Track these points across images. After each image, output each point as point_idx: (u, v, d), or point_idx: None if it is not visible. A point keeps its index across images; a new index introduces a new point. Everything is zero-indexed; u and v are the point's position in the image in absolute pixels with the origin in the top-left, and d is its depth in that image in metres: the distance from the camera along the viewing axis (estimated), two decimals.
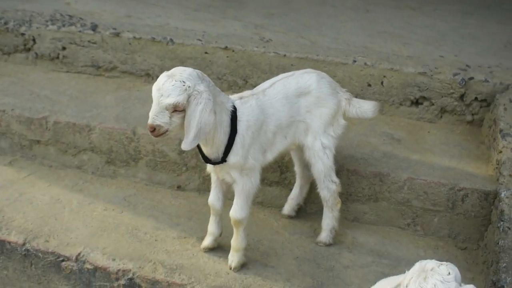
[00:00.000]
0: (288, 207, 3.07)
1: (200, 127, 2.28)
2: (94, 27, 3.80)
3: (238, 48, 3.60)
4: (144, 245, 2.85)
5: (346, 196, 3.00)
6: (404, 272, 1.89)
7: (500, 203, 2.77)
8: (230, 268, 2.70)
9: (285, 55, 3.55)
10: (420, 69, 3.45)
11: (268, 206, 3.18)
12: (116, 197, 3.21)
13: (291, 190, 3.07)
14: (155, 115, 2.30)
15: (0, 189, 3.22)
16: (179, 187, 3.28)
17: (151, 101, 3.60)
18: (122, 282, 2.71)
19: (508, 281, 2.50)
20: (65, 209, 3.09)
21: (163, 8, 4.53)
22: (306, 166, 2.92)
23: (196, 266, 2.73)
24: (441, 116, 3.50)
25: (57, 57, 3.90)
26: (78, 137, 3.32)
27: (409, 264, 1.88)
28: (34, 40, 3.88)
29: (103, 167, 3.37)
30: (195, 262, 2.75)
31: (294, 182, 3.04)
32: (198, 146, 2.52)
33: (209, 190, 2.79)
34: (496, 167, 2.97)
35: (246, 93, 2.59)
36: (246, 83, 3.66)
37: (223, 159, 2.47)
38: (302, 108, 2.67)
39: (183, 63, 3.65)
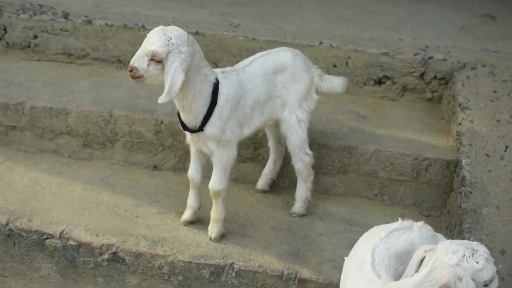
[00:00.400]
0: (262, 182, 3.21)
1: (171, 84, 2.40)
2: (65, 15, 3.85)
3: (208, 33, 3.73)
4: (126, 221, 2.95)
5: (317, 169, 3.15)
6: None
7: (462, 170, 2.98)
8: (210, 239, 2.83)
9: (254, 39, 3.69)
10: (382, 49, 3.64)
11: (243, 182, 3.31)
12: (94, 178, 3.28)
13: (264, 165, 3.21)
14: (137, 58, 2.45)
15: None
16: (155, 167, 3.38)
17: (125, 86, 3.72)
18: (106, 256, 2.80)
19: (471, 240, 2.70)
20: (44, 191, 3.15)
21: None
22: (280, 141, 3.08)
23: (178, 238, 2.85)
24: (403, 94, 3.70)
25: (29, 46, 3.93)
26: (55, 121, 3.38)
27: None
28: (5, 29, 3.91)
29: (79, 150, 3.44)
30: (176, 235, 2.87)
31: (268, 158, 3.18)
32: (178, 114, 2.64)
33: (185, 169, 2.92)
34: (457, 138, 3.18)
35: (227, 68, 2.73)
36: (216, 66, 3.77)
37: (201, 128, 2.59)
38: (279, 84, 2.82)
39: None
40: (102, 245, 2.80)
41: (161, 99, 2.44)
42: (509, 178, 2.92)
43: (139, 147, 3.36)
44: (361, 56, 3.65)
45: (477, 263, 1.88)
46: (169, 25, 2.55)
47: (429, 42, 3.91)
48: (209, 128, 2.60)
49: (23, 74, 3.77)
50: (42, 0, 4.24)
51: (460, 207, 2.87)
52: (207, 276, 2.73)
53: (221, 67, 3.68)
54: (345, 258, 2.27)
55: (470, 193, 2.87)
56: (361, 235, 2.86)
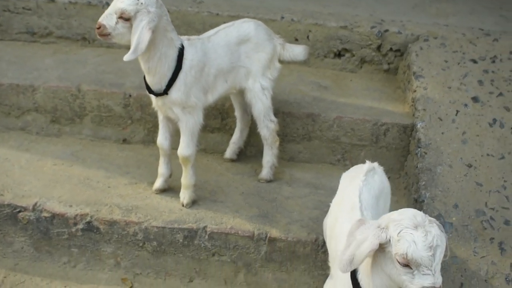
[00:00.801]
0: (230, 151, 3.33)
1: (138, 42, 2.49)
2: None
3: (173, 9, 3.79)
4: (98, 192, 3.02)
5: (282, 137, 3.29)
6: None
7: (417, 133, 3.17)
8: (183, 205, 2.93)
9: (217, 14, 3.79)
10: (341, 23, 3.79)
11: (211, 152, 3.42)
12: (64, 153, 3.33)
13: (232, 135, 3.32)
14: (105, 16, 2.51)
15: None
16: (124, 141, 3.45)
17: (91, 63, 3.76)
18: (80, 226, 2.87)
19: (427, 196, 2.90)
20: (14, 167, 3.18)
21: None
22: (246, 111, 3.20)
23: (150, 205, 2.94)
24: (361, 66, 3.87)
25: None
26: (22, 98, 3.40)
27: None
28: None
29: (47, 127, 3.47)
30: (149, 203, 2.96)
31: (235, 128, 3.30)
32: (144, 77, 2.73)
33: (154, 142, 3.00)
34: (412, 104, 3.36)
35: (193, 37, 2.82)
36: None
37: (166, 92, 2.69)
38: (242, 54, 2.93)
39: None
40: (76, 215, 2.86)
41: (127, 57, 2.51)
42: (460, 140, 3.12)
43: (108, 121, 3.42)
44: (321, 29, 3.80)
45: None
46: None
47: (385, 17, 4.09)
48: (174, 92, 2.70)
49: None
50: None
51: (417, 167, 3.06)
52: (181, 240, 2.83)
53: None
54: (331, 203, 2.46)
55: (425, 153, 3.06)
56: (326, 197, 3.04)
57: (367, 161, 2.44)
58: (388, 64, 3.84)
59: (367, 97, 3.56)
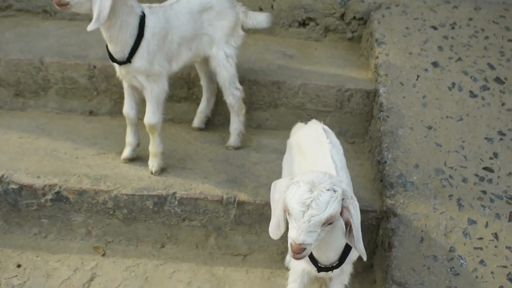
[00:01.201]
0: (198, 120, 3.36)
1: (100, 10, 2.49)
2: None
3: None
4: (66, 163, 3.02)
5: (248, 105, 3.33)
6: None
7: (379, 98, 3.25)
8: (152, 173, 2.96)
9: None
10: None
11: (179, 122, 3.44)
12: (29, 126, 3.31)
13: (199, 104, 3.35)
14: None
15: None
16: (91, 112, 3.45)
17: (54, 35, 3.72)
18: (49, 196, 2.88)
19: (389, 157, 2.99)
20: None
21: None
22: (211, 79, 3.23)
23: (119, 174, 2.96)
24: (326, 35, 3.93)
25: None
26: None
27: None
28: None
29: (11, 100, 3.44)
30: (118, 172, 2.98)
31: (201, 97, 3.33)
32: (107, 46, 2.73)
33: (121, 113, 3.01)
34: (374, 70, 3.44)
35: (155, 5, 2.82)
36: None
37: (128, 60, 2.70)
38: (205, 22, 2.95)
39: None
40: (45, 185, 2.86)
41: (90, 26, 2.51)
42: (421, 103, 3.22)
43: (73, 93, 3.40)
44: None
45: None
46: None
47: None
48: (137, 60, 2.70)
49: None
50: None
51: (379, 130, 3.14)
52: (151, 207, 2.87)
53: None
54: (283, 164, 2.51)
55: (388, 117, 3.15)
56: None
57: (314, 120, 2.52)
58: (352, 32, 3.90)
59: (332, 65, 3.62)
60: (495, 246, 2.71)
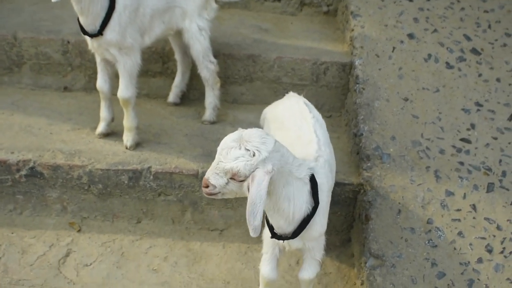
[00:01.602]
0: (173, 95, 3.34)
1: None
2: None
3: None
4: (40, 138, 3.00)
5: (224, 79, 3.32)
6: None
7: (355, 70, 3.25)
8: (126, 147, 2.95)
9: None
10: None
11: (154, 97, 3.42)
12: (3, 103, 3.27)
13: (174, 79, 3.33)
14: None
15: None
16: (66, 88, 3.42)
17: (27, 11, 3.67)
18: (24, 172, 2.86)
19: (365, 129, 3.00)
20: None
21: None
22: (185, 53, 3.20)
23: (94, 149, 2.94)
24: (301, 9, 3.91)
25: None
26: None
27: None
28: None
29: None
30: (93, 147, 2.96)
31: (176, 71, 3.31)
32: (78, 19, 2.70)
33: (96, 89, 2.98)
34: (350, 43, 3.43)
35: None
36: None
37: (100, 32, 2.67)
38: None
39: None
40: (19, 161, 2.84)
41: None
42: (397, 75, 3.22)
43: (47, 69, 3.37)
44: None
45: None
46: None
47: None
48: (109, 33, 2.68)
49: None
50: None
51: (355, 102, 3.15)
52: (126, 182, 2.86)
53: None
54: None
55: (363, 89, 3.16)
56: None
57: (291, 92, 2.50)
58: (328, 6, 3.89)
59: (307, 38, 3.61)
60: (474, 218, 2.73)
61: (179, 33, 3.04)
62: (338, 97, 3.43)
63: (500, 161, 2.92)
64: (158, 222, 2.95)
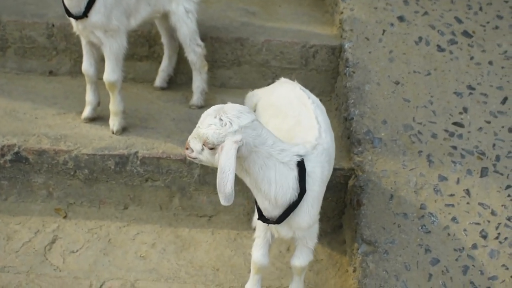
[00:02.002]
0: (160, 79, 3.29)
1: None
2: None
3: None
4: (25, 123, 2.95)
5: (212, 63, 3.27)
6: None
7: (345, 53, 3.21)
8: (113, 132, 2.91)
9: None
10: None
11: (141, 82, 3.37)
12: None
13: (160, 63, 3.28)
14: None
15: None
16: (51, 73, 3.36)
17: None
18: (9, 157, 2.81)
19: (356, 113, 2.97)
20: None
21: None
22: (172, 36, 3.15)
23: (80, 134, 2.90)
24: None
25: None
26: None
27: None
28: None
29: None
30: (78, 131, 2.92)
31: (163, 55, 3.25)
32: (63, 1, 2.64)
33: (81, 73, 2.93)
34: (339, 26, 3.39)
35: None
36: None
37: (85, 14, 2.61)
38: None
39: None
40: (3, 146, 2.80)
41: None
42: (387, 58, 3.18)
43: (32, 53, 3.31)
44: None
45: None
46: None
47: None
48: (94, 15, 2.62)
49: None
50: None
51: (345, 86, 3.11)
52: (112, 167, 2.82)
53: None
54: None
55: (354, 72, 3.12)
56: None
57: (282, 78, 2.45)
58: None
59: (296, 21, 3.56)
60: (467, 203, 2.69)
61: (165, 16, 2.98)
62: (327, 80, 3.39)
63: (494, 145, 2.89)
64: (145, 208, 2.91)
